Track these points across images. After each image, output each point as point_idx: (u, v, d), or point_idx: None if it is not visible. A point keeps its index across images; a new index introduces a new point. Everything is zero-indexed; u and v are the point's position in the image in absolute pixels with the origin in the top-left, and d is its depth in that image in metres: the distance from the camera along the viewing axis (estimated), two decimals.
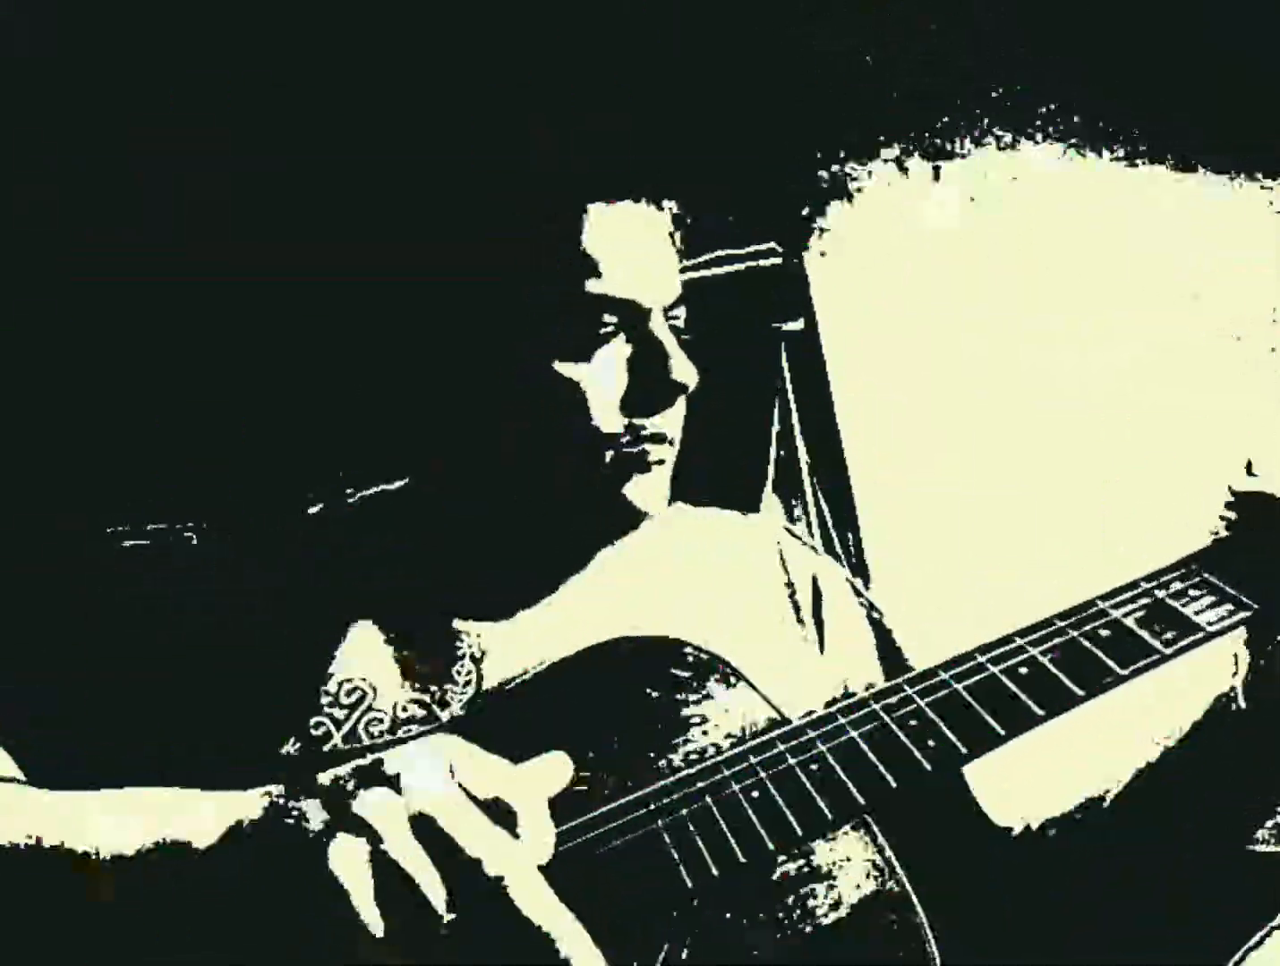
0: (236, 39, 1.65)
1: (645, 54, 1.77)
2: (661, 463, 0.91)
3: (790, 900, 0.71)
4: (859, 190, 2.03)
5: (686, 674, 0.82)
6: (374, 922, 0.56)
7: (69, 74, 1.64)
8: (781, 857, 0.71)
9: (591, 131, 1.02)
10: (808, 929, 0.71)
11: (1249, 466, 0.81)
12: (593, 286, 0.86)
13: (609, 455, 0.88)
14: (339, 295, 1.64)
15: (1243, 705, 0.80)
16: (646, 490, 0.91)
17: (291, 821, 0.61)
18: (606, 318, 0.87)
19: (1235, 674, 0.82)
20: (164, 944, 0.62)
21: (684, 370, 0.89)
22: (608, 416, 0.88)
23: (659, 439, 0.90)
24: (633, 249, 0.89)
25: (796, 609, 1.00)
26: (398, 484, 1.05)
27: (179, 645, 0.86)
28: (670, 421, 0.91)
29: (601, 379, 0.88)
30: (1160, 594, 0.76)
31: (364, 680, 0.84)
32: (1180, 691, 0.85)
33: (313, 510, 1.00)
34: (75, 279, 1.75)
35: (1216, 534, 0.81)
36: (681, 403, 0.92)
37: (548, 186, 0.90)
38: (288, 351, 1.74)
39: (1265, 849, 0.89)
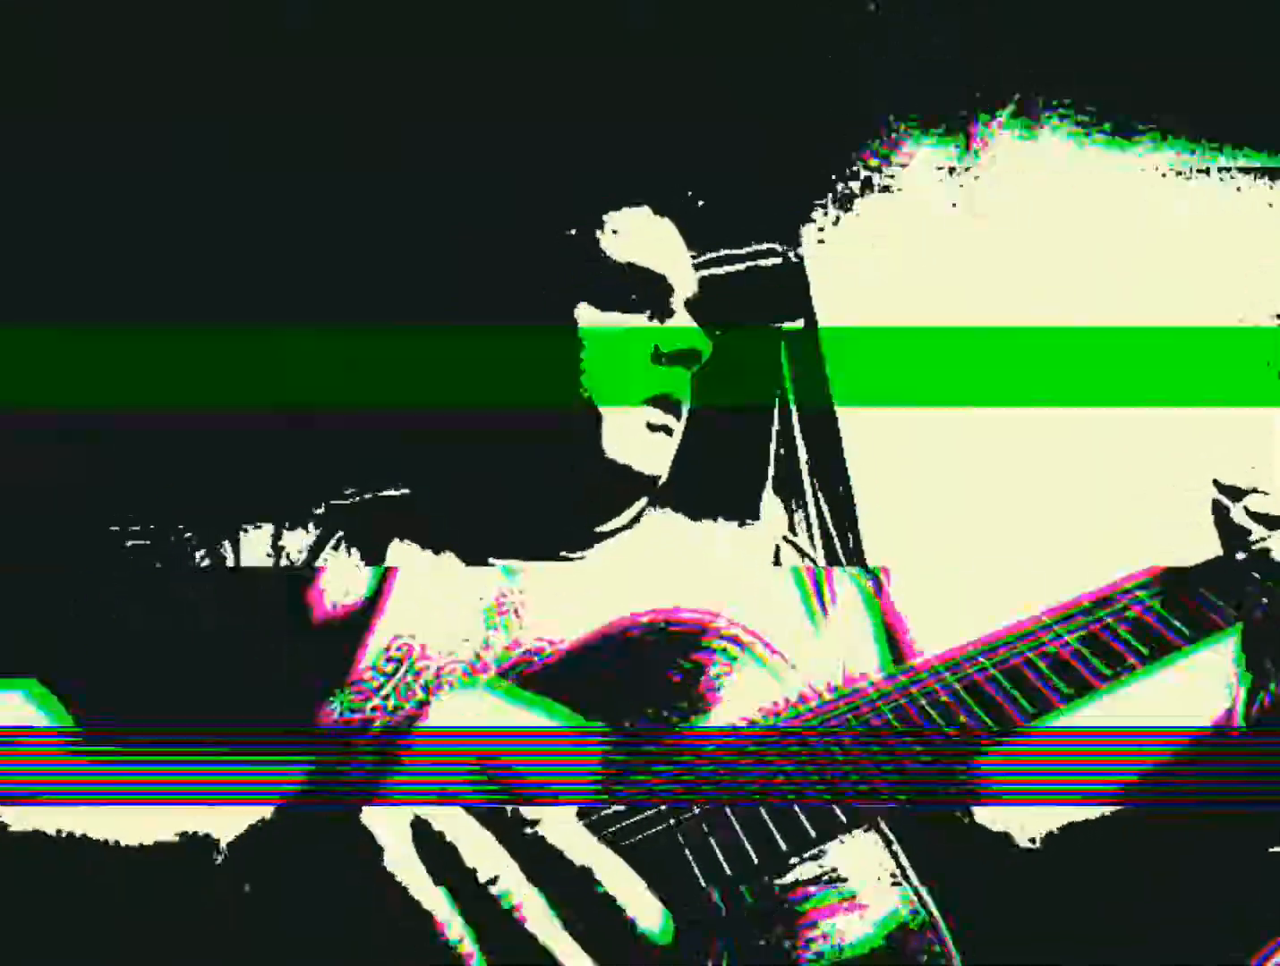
0: (236, 39, 1.65)
1: (647, 56, 1.77)
2: (669, 430, 0.99)
3: (811, 914, 0.71)
4: (861, 189, 2.03)
5: (718, 646, 0.83)
6: (416, 882, 0.56)
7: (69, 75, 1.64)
8: (793, 861, 0.71)
9: (597, 134, 1.08)
10: (830, 946, 0.70)
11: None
12: (624, 256, 0.97)
13: (632, 420, 0.96)
14: (341, 270, 1.64)
15: (1242, 727, 0.81)
16: (659, 455, 0.99)
17: (313, 813, 0.61)
18: (645, 289, 0.98)
19: (1233, 698, 0.82)
20: (190, 934, 0.62)
21: (700, 340, 1.00)
22: (635, 379, 0.96)
23: (669, 405, 0.99)
24: (657, 239, 1.01)
25: (812, 609, 1.02)
26: (402, 491, 1.08)
27: (212, 631, 0.89)
28: (681, 389, 1.00)
29: (634, 341, 0.97)
30: (1181, 587, 0.76)
31: (411, 637, 0.86)
32: (1183, 708, 0.85)
33: (318, 510, 1.01)
34: (78, 277, 1.76)
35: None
36: (688, 378, 1.01)
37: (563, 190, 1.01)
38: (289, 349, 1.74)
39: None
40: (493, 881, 0.57)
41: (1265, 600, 0.74)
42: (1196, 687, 0.82)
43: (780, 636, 0.92)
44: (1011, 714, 0.70)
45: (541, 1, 1.67)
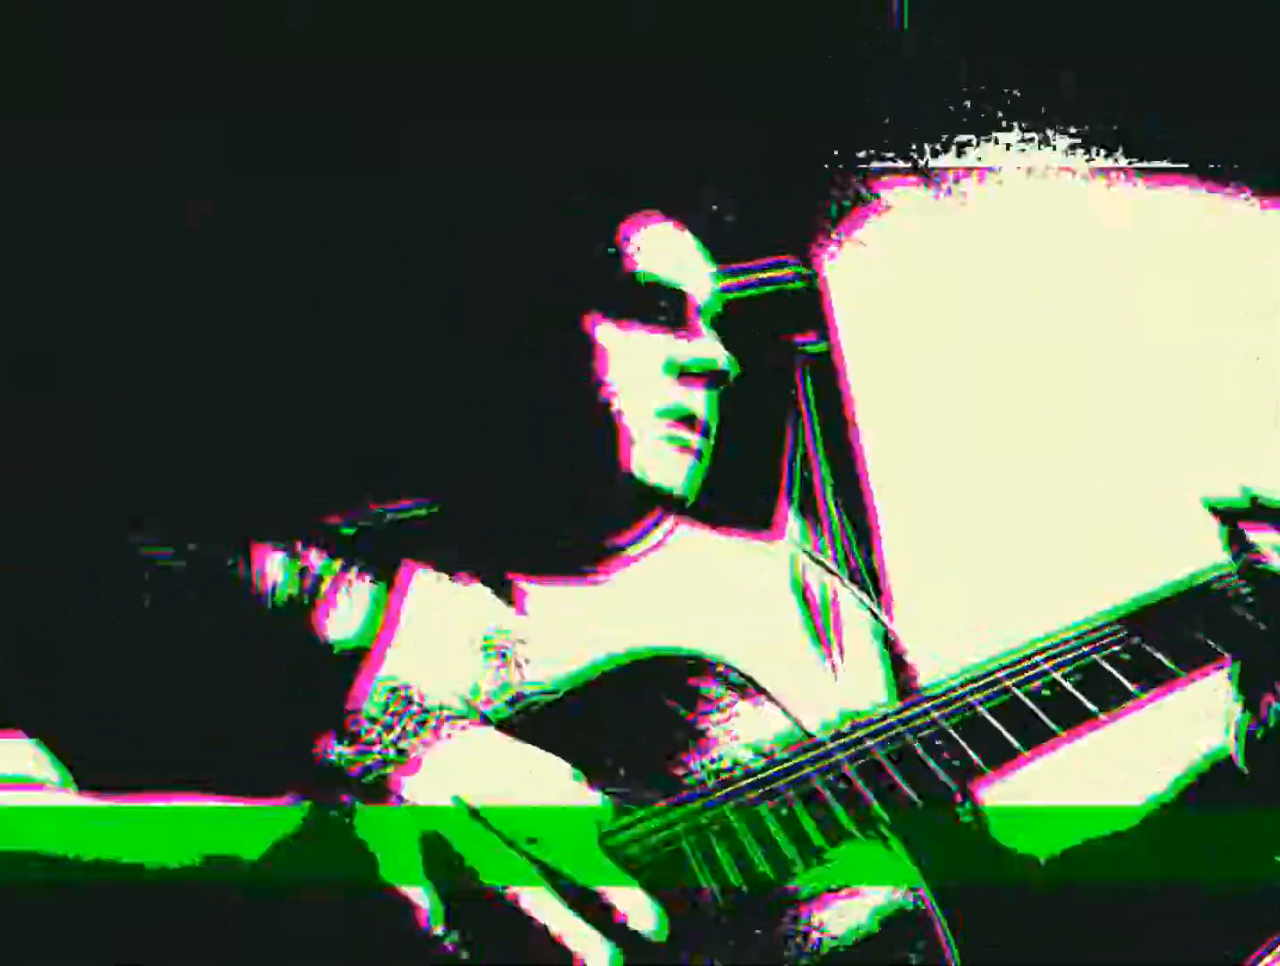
0: (236, 39, 1.65)
1: (647, 56, 1.77)
2: (693, 448, 0.96)
3: (814, 912, 0.71)
4: (876, 202, 2.02)
5: (711, 689, 0.83)
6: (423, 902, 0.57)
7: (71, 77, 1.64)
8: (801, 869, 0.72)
9: (597, 134, 1.06)
10: (831, 941, 0.71)
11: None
12: (644, 270, 0.95)
13: (648, 435, 0.94)
14: (367, 289, 1.63)
15: (1242, 768, 0.80)
16: (678, 471, 0.96)
17: (331, 828, 0.61)
18: (659, 301, 0.95)
19: (1230, 733, 0.81)
20: (205, 951, 0.62)
21: (722, 356, 0.97)
22: (652, 394, 0.94)
23: (695, 424, 0.96)
24: (676, 254, 0.98)
25: (814, 629, 1.01)
26: (424, 507, 1.07)
27: (229, 653, 0.88)
28: (706, 408, 0.97)
29: (650, 354, 0.95)
30: (1176, 619, 0.76)
31: (408, 684, 0.85)
32: (1179, 741, 0.85)
33: (347, 531, 1.00)
34: (77, 277, 1.76)
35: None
36: (714, 397, 0.98)
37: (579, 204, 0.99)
38: (316, 361, 1.74)
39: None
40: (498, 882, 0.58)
41: (1262, 627, 0.74)
42: (1192, 721, 0.81)
43: (782, 666, 0.92)
44: (1002, 751, 0.70)
45: (541, 1, 1.67)
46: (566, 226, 0.97)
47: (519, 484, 0.99)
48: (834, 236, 2.00)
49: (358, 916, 0.59)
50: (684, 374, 0.95)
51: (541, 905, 0.58)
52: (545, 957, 0.58)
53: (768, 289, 1.87)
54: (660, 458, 0.94)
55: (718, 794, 0.71)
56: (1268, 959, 0.96)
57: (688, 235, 1.00)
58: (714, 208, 1.01)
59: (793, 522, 1.89)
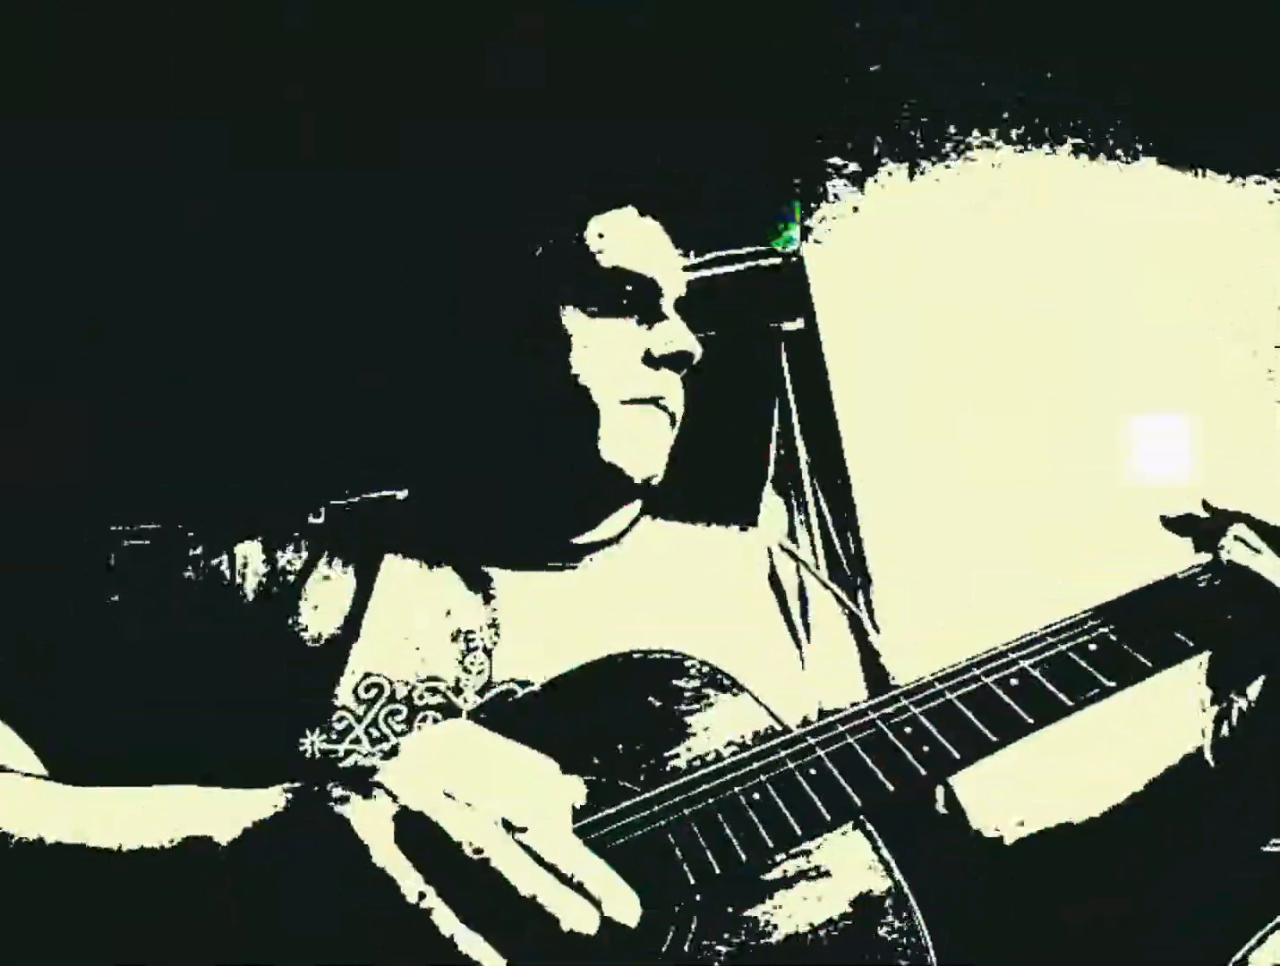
0: (236, 39, 1.65)
1: (647, 56, 1.78)
2: (662, 432, 0.98)
3: (791, 896, 0.72)
4: (861, 189, 2.03)
5: (688, 685, 0.84)
6: (403, 873, 0.57)
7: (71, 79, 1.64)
8: (780, 856, 0.73)
9: (596, 134, 1.06)
10: (808, 925, 0.72)
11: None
12: (611, 260, 0.95)
13: (614, 420, 0.94)
14: (343, 283, 1.64)
15: (1210, 762, 0.82)
16: (652, 457, 0.97)
17: (310, 815, 0.61)
18: (627, 287, 0.96)
19: (1203, 731, 0.83)
20: (181, 938, 0.62)
21: (690, 341, 0.98)
22: (624, 381, 0.95)
23: (662, 406, 0.97)
24: (643, 242, 0.99)
25: (788, 621, 1.02)
26: (402, 493, 1.07)
27: (202, 643, 0.88)
28: (672, 391, 0.98)
29: (616, 341, 0.96)
30: (1147, 612, 0.78)
31: (381, 674, 0.86)
32: (1150, 733, 0.87)
33: (316, 519, 1.01)
34: (77, 277, 1.76)
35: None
36: (679, 380, 0.99)
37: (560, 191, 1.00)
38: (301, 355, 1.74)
39: (1267, 849, 0.89)
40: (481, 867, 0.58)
41: (1231, 620, 0.76)
42: (1163, 713, 0.83)
43: (754, 658, 0.92)
44: (974, 742, 0.73)
45: (542, 1, 1.67)
46: (555, 223, 0.98)
47: (490, 473, 1.00)
48: (820, 222, 2.01)
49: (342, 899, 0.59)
50: (655, 360, 0.97)
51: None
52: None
53: (752, 274, 1.88)
54: (634, 444, 0.96)
55: (699, 786, 0.73)
56: (1258, 951, 0.96)
57: (656, 224, 1.01)
58: (708, 201, 1.01)
59: (772, 508, 1.90)
